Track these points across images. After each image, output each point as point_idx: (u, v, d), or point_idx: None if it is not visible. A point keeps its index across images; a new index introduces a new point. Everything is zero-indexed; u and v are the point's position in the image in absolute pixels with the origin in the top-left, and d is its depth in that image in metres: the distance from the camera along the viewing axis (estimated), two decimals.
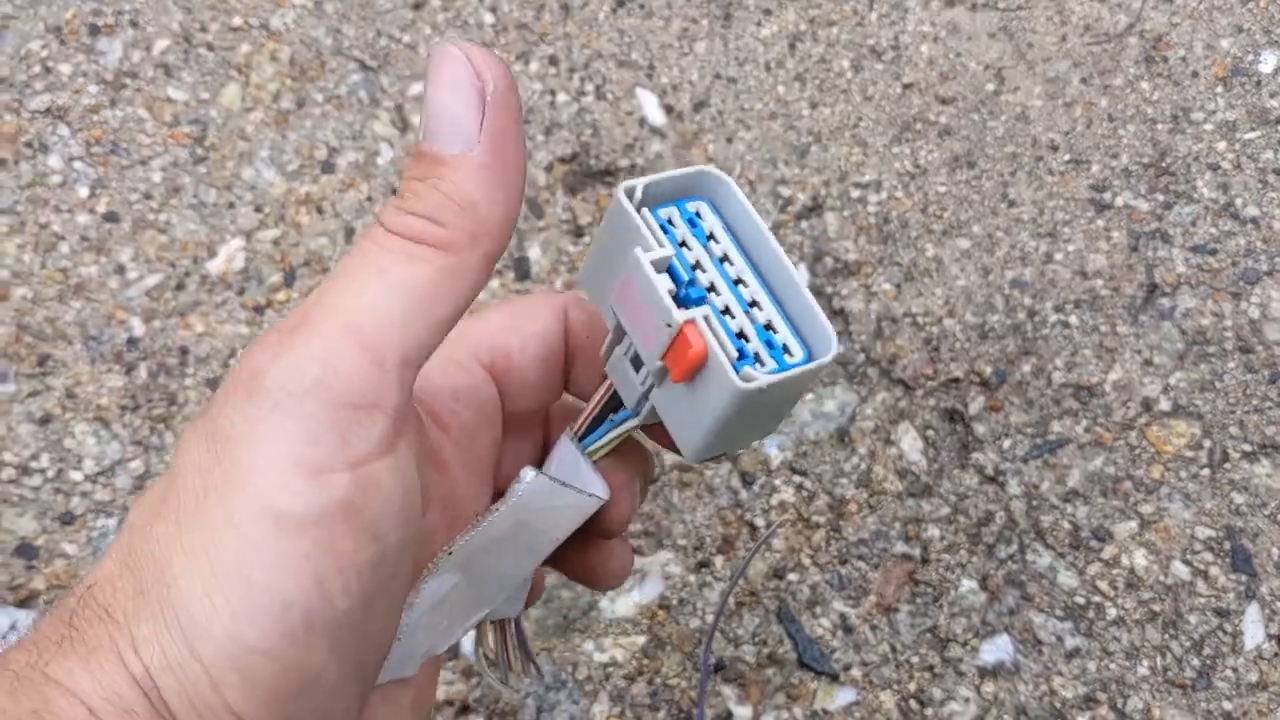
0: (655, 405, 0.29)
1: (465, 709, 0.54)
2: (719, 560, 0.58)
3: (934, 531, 0.58)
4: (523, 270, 0.63)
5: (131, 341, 0.61)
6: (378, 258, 0.26)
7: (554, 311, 0.33)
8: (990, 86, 0.67)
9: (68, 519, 0.58)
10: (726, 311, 0.28)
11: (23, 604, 0.56)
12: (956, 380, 0.61)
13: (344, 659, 0.25)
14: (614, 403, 0.31)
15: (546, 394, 0.34)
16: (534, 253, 0.63)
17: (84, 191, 0.64)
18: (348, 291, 0.25)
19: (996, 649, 0.56)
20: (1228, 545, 0.58)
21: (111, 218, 0.63)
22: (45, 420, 0.59)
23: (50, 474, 0.59)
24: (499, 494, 0.32)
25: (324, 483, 0.24)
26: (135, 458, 0.59)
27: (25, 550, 0.57)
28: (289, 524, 0.24)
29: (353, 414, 0.25)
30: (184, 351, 0.61)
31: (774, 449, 0.60)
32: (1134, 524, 0.58)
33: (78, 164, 0.64)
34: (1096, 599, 0.57)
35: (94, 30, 0.67)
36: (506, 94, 0.26)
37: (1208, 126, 0.66)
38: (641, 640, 0.56)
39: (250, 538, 0.24)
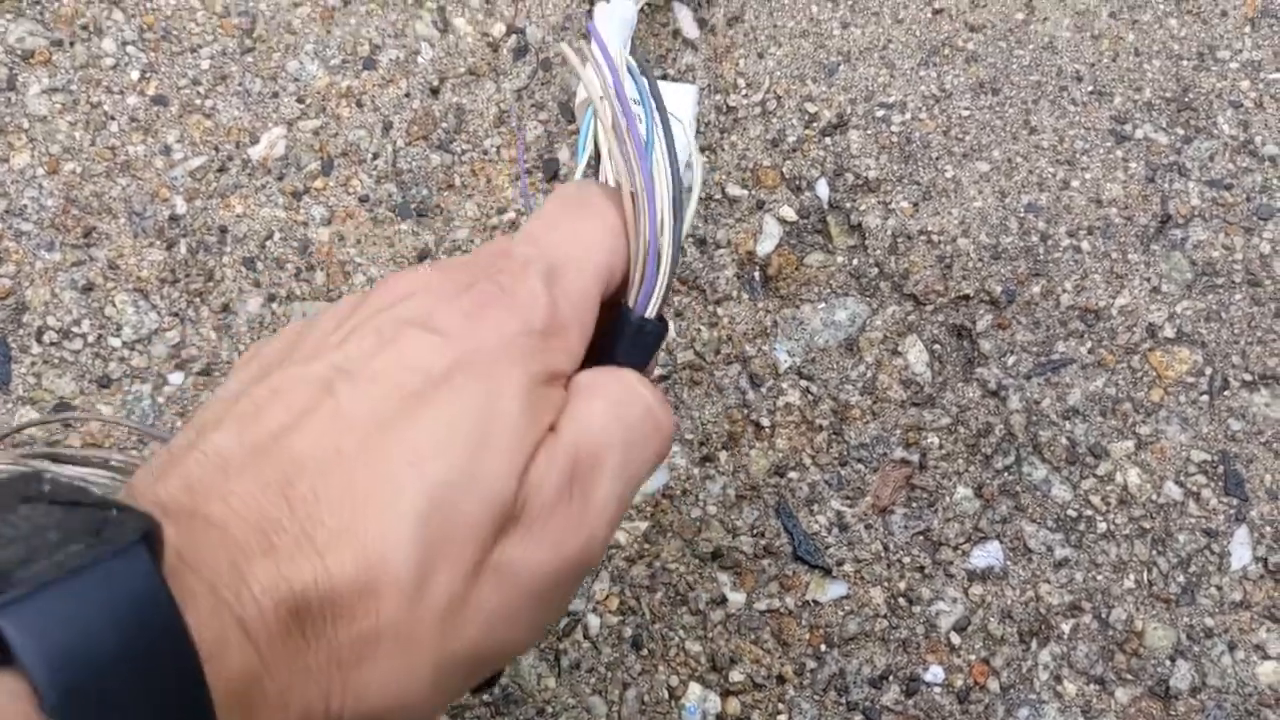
0: None
1: None
2: (723, 455, 0.60)
3: (933, 440, 0.60)
4: (551, 171, 0.65)
5: (174, 219, 0.64)
6: None
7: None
8: (1020, 15, 0.68)
9: (105, 382, 0.61)
10: None
11: (57, 461, 0.59)
12: (966, 297, 0.62)
13: None
14: None
15: None
16: (563, 154, 0.65)
17: (135, 75, 0.66)
18: None
19: (987, 554, 0.58)
20: (1221, 469, 0.59)
21: (160, 101, 0.66)
22: (88, 288, 0.62)
23: (90, 339, 0.62)
24: None
25: None
26: (172, 328, 0.62)
27: (63, 409, 0.60)
28: None
29: None
30: (223, 231, 0.64)
31: (783, 354, 0.61)
32: (1130, 444, 0.60)
33: (130, 48, 0.67)
34: (1088, 513, 0.59)
35: None
36: None
37: (1233, 65, 0.67)
38: (644, 526, 0.59)
39: None
